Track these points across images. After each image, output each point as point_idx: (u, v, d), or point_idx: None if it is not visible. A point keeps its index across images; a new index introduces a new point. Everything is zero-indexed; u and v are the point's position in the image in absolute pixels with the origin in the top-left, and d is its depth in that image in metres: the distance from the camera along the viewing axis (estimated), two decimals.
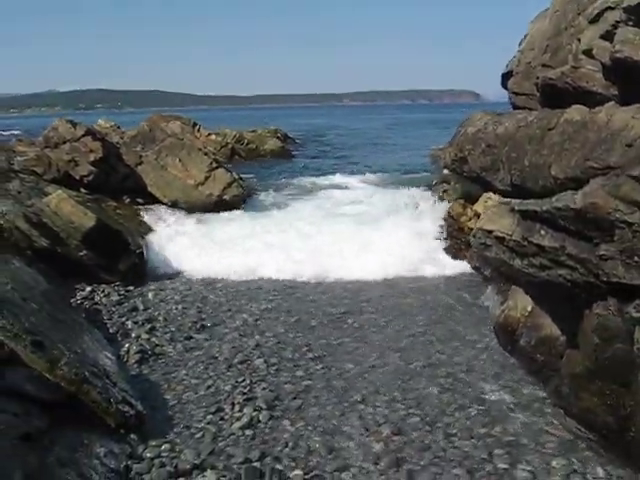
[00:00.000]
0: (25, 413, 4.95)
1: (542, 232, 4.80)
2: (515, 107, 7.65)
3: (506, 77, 8.11)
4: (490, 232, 5.16)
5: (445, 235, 13.20)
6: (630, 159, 4.22)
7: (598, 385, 5.09)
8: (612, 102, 5.01)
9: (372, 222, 14.59)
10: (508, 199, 5.25)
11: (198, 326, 9.02)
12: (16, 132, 41.13)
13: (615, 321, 4.62)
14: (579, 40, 6.33)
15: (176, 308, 9.86)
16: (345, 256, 11.89)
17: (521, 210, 4.97)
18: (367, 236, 13.25)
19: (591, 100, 5.62)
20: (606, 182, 4.30)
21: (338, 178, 22.64)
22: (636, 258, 4.18)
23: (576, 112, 5.06)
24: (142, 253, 11.88)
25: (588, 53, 6.00)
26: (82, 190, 14.27)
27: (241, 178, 18.91)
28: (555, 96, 6.33)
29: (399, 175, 23.52)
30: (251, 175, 23.27)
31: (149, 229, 13.58)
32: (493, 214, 5.26)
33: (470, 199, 12.43)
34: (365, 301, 10.28)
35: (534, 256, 4.91)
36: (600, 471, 5.18)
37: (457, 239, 12.55)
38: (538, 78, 6.77)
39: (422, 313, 9.57)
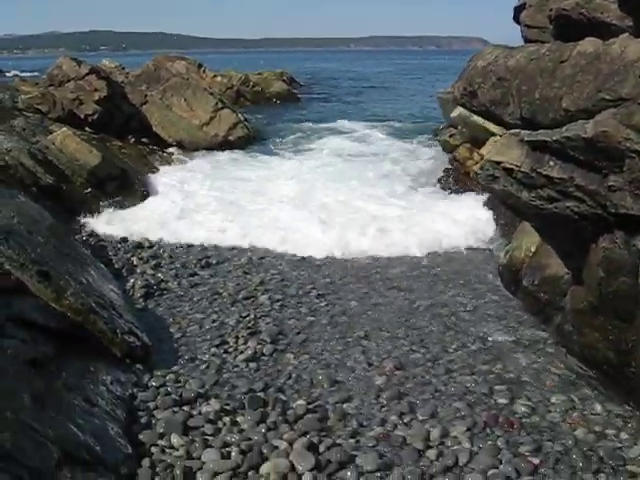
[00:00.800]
0: (32, 340, 5.01)
1: (551, 163, 4.75)
2: (527, 40, 7.50)
3: (519, 10, 7.95)
4: (498, 163, 5.10)
5: (450, 179, 13.17)
6: None
7: (600, 320, 5.11)
8: (626, 34, 4.91)
9: (376, 170, 14.63)
10: (517, 130, 5.17)
11: (203, 263, 9.06)
12: (36, 73, 39.51)
13: (621, 254, 4.59)
14: None
15: (181, 246, 9.90)
16: (347, 203, 11.79)
17: (531, 141, 4.90)
18: (370, 183, 13.28)
19: (605, 32, 5.50)
20: (618, 112, 4.24)
21: (344, 124, 22.38)
22: None
23: (589, 44, 4.95)
24: (146, 192, 11.87)
25: None
26: (87, 129, 14.21)
27: (246, 120, 18.80)
28: (568, 28, 6.19)
29: (407, 122, 23.25)
30: (258, 117, 23.10)
31: (154, 168, 13.56)
32: (502, 145, 5.19)
33: (477, 143, 12.31)
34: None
35: (542, 188, 4.86)
36: (599, 407, 5.25)
37: (463, 183, 12.51)
38: (551, 10, 6.63)
39: (426, 255, 9.58)
